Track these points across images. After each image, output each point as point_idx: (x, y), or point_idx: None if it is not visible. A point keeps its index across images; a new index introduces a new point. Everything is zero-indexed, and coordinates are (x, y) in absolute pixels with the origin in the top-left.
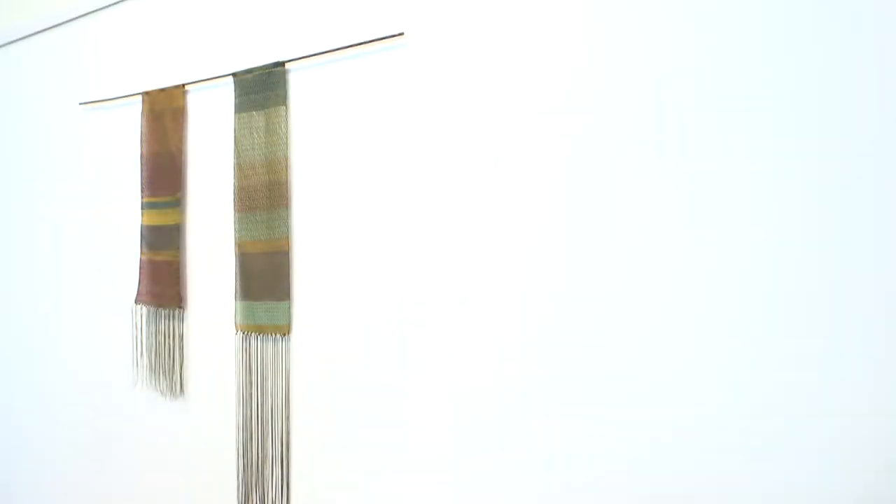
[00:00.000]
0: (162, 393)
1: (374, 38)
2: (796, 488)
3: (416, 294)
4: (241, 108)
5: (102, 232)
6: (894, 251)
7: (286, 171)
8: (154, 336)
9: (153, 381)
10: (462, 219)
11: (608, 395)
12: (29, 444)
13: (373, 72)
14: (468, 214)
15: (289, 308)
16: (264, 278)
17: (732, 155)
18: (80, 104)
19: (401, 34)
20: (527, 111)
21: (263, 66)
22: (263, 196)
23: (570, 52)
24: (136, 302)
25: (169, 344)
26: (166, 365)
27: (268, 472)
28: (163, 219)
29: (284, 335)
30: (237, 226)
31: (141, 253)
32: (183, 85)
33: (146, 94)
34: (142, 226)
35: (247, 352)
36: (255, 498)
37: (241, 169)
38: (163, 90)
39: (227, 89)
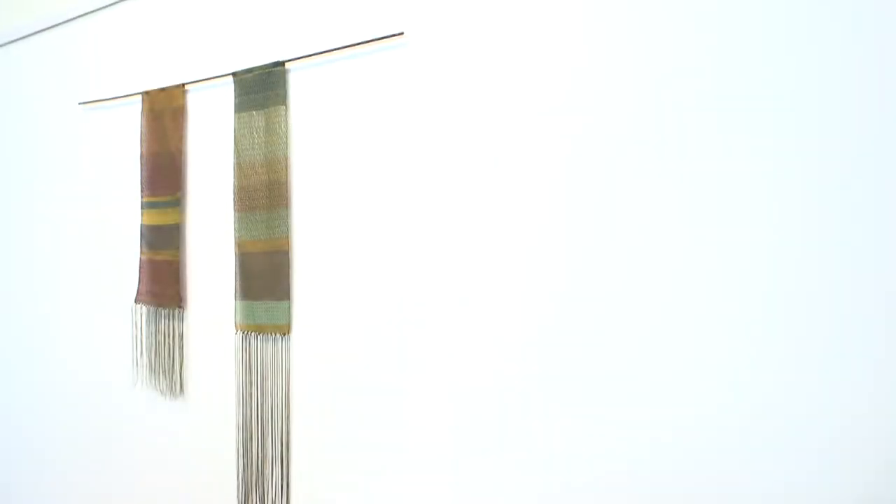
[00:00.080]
0: (162, 392)
1: (373, 37)
2: (796, 488)
3: (416, 294)
4: (240, 107)
5: (102, 231)
6: (894, 251)
7: (286, 170)
8: (154, 336)
9: (153, 381)
10: (462, 218)
11: (608, 395)
12: (29, 444)
13: (373, 71)
14: (468, 214)
15: (288, 308)
16: (264, 278)
17: (732, 155)
18: (80, 104)
19: (401, 34)
20: (527, 111)
21: (263, 65)
22: (263, 196)
23: (570, 52)
24: (135, 301)
25: (169, 343)
26: (166, 364)
27: (268, 471)
28: (163, 218)
29: (284, 335)
30: (237, 225)
31: (141, 252)
32: (183, 84)
33: (146, 93)
34: (142, 225)
35: (247, 351)
36: (254, 497)
37: (240, 168)
38: (163, 90)
39: (227, 89)
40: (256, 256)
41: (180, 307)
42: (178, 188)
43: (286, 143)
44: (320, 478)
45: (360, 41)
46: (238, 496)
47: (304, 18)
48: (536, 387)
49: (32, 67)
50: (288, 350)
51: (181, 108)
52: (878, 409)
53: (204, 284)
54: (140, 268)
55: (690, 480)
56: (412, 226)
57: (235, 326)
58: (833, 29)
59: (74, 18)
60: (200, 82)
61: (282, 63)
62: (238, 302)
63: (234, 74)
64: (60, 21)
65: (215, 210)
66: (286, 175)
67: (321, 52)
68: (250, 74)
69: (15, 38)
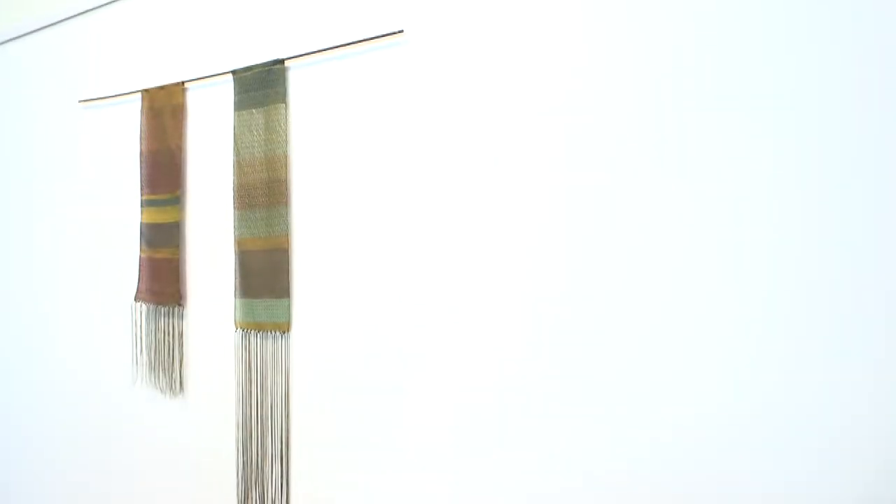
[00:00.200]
0: (161, 391)
1: (373, 35)
2: (796, 488)
3: (416, 292)
4: (240, 105)
5: (102, 229)
6: (894, 251)
7: (286, 168)
8: (154, 334)
9: (153, 379)
10: (462, 217)
11: (608, 394)
12: (28, 442)
13: (372, 69)
14: (468, 213)
15: (288, 305)
16: (264, 276)
17: (732, 154)
18: (80, 102)
19: (400, 32)
20: (526, 109)
21: (263, 63)
22: (263, 193)
23: (570, 51)
24: (135, 299)
25: (168, 341)
26: (166, 363)
27: (267, 469)
28: (162, 216)
29: (284, 332)
30: (237, 223)
31: (140, 250)
32: (182, 82)
33: (146, 91)
34: (141, 223)
35: (246, 349)
36: (254, 495)
37: (240, 166)
38: (162, 88)
39: (227, 87)
40: (256, 254)
41: (180, 305)
42: (177, 186)
43: (286, 141)
44: (320, 476)
45: (359, 39)
46: (238, 494)
47: (304, 16)
48: (536, 386)
49: (32, 65)
50: (288, 348)
51: (181, 105)
52: (878, 409)
53: (204, 282)
54: (140, 266)
55: (690, 480)
56: (412, 224)
57: (235, 324)
58: (833, 27)
59: (74, 16)
60: (200, 80)
61: (281, 61)
62: (238, 300)
63: (233, 72)
64: (60, 19)
65: (215, 208)
66: (286, 173)
67: (321, 50)
68: (250, 72)
69: (15, 35)
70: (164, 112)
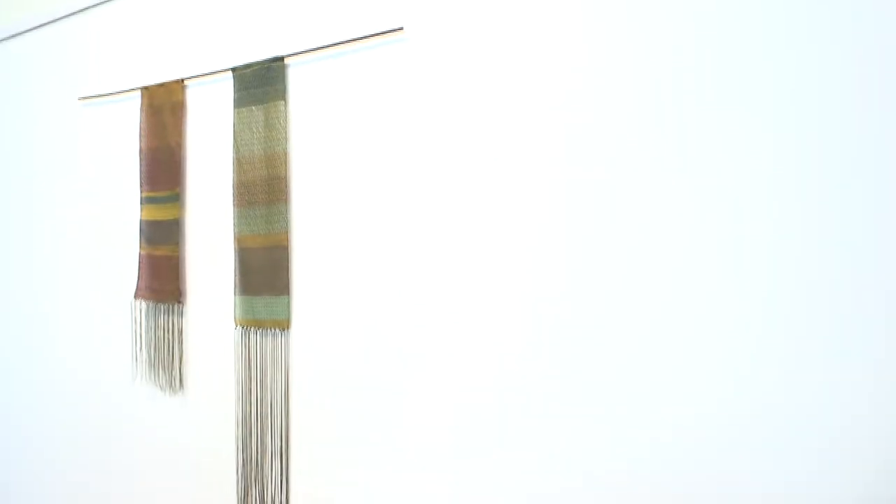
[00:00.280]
0: (161, 388)
1: (373, 32)
2: (796, 488)
3: (416, 290)
4: (240, 102)
5: (101, 227)
6: (894, 251)
7: (285, 165)
8: (153, 331)
9: (152, 377)
10: (462, 214)
11: (608, 394)
12: (28, 440)
13: (372, 67)
14: (468, 210)
15: (288, 303)
16: (263, 273)
17: (732, 151)
18: (80, 99)
19: (400, 29)
20: (526, 107)
21: (262, 60)
22: (262, 191)
23: (570, 48)
24: (135, 297)
25: (168, 339)
26: (166, 360)
27: (267, 467)
28: (162, 213)
29: (284, 330)
30: (236, 220)
31: (140, 248)
32: (182, 80)
33: (145, 88)
34: (141, 221)
35: (246, 346)
36: (254, 493)
37: (240, 164)
38: (162, 85)
39: (227, 84)
40: (256, 251)
41: (180, 302)
42: (177, 183)
43: (285, 139)
44: (320, 474)
45: (359, 36)
46: (237, 492)
47: (304, 13)
48: (536, 384)
49: (32, 63)
50: (287, 345)
51: (180, 103)
52: (878, 409)
53: (203, 280)
54: (139, 263)
55: (690, 480)
56: (412, 221)
57: (235, 321)
58: (833, 25)
59: (74, 14)
60: (199, 77)
61: (281, 58)
62: (237, 297)
63: (233, 69)
64: (60, 16)
65: (214, 205)
66: (285, 170)
67: (320, 48)
68: (249, 69)
69: (14, 33)
70: (163, 109)
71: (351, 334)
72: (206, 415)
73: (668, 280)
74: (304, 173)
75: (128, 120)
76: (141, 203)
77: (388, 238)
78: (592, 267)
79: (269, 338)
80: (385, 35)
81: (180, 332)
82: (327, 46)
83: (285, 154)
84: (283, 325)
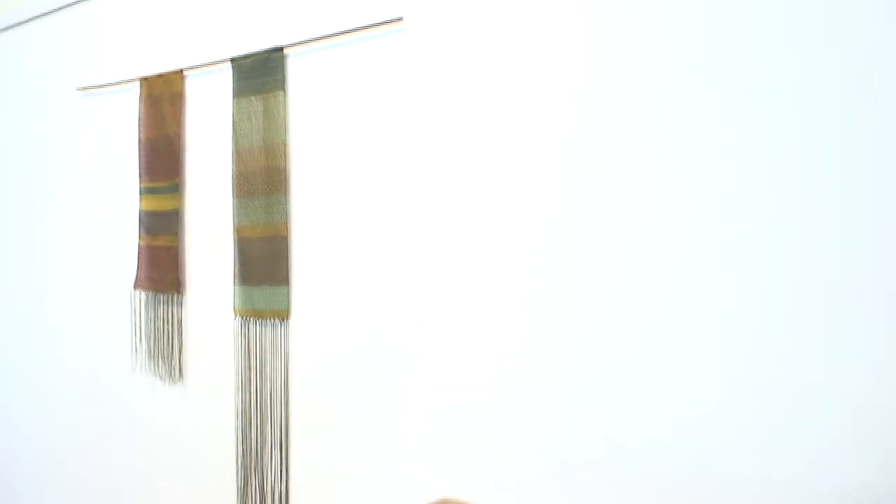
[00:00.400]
0: (161, 378)
1: (372, 23)
2: (796, 488)
3: (416, 282)
4: (239, 93)
5: (101, 217)
6: (894, 251)
7: (284, 156)
8: (153, 321)
9: (152, 367)
10: (461, 206)
11: (608, 394)
12: (28, 431)
13: (371, 57)
14: (467, 202)
15: (287, 293)
16: (263, 263)
17: (733, 150)
18: (79, 89)
19: (399, 19)
20: (525, 98)
21: (262, 51)
22: (262, 181)
23: (570, 44)
24: (134, 287)
25: (168, 329)
26: (165, 350)
27: (267, 457)
28: (161, 204)
29: (283, 320)
30: (236, 211)
31: (139, 238)
32: (181, 70)
33: (144, 79)
34: (140, 211)
35: (245, 337)
36: (254, 483)
37: (239, 154)
38: (161, 75)
39: (226, 74)
40: (255, 242)
41: (179, 293)
42: (176, 174)
43: (285, 129)
44: (319, 464)
45: (358, 27)
46: (237, 481)
47: (303, 3)
48: (535, 373)
49: (31, 53)
50: (287, 335)
51: (179, 93)
52: (878, 409)
53: (203, 270)
54: (139, 253)
55: (690, 480)
56: (411, 213)
57: (234, 312)
58: (833, 23)
59: (73, 4)
60: (199, 68)
61: (280, 48)
62: (237, 287)
63: (232, 60)
64: (59, 6)
65: (214, 195)
66: (285, 160)
67: (320, 38)
68: (249, 60)
69: (13, 23)
70: (162, 100)
71: (351, 325)
72: (206, 405)
73: (668, 280)
74: (303, 164)
75: (127, 110)
76: (140, 193)
77: (387, 229)
78: (592, 267)
79: (269, 328)
80: (384, 25)
81: (180, 323)
82: (327, 36)
83: (284, 144)
84: (283, 315)
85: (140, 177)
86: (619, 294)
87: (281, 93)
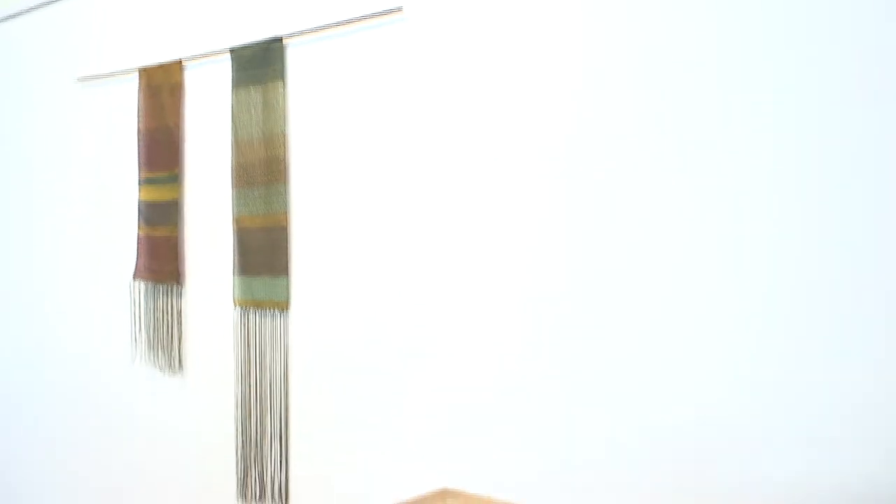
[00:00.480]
0: (160, 369)
1: (372, 13)
2: (796, 488)
3: (416, 273)
4: (238, 83)
5: (100, 207)
6: (894, 251)
7: (284, 146)
8: (152, 312)
9: (152, 357)
10: (461, 197)
11: (608, 394)
12: (28, 421)
13: (371, 47)
14: (467, 192)
15: (287, 283)
16: (262, 253)
17: (733, 150)
18: (78, 80)
19: (399, 9)
20: (526, 88)
21: (261, 41)
22: (261, 171)
23: (572, 37)
24: (134, 278)
25: (167, 320)
26: (165, 341)
27: (266, 448)
28: (161, 194)
29: (283, 310)
30: (235, 201)
31: (139, 228)
32: (180, 60)
33: (144, 69)
34: (139, 201)
35: (245, 327)
36: (253, 474)
37: (238, 144)
38: (160, 66)
39: (225, 65)
40: (254, 232)
41: (179, 283)
42: (175, 164)
43: (284, 119)
44: (319, 455)
45: (358, 16)
46: (237, 472)
47: None
48: (535, 373)
49: (30, 43)
50: (286, 326)
51: (179, 84)
52: (878, 409)
53: (202, 260)
54: (138, 244)
55: (690, 479)
56: (411, 203)
57: (234, 302)
58: (833, 23)
59: None
60: (198, 58)
61: (279, 39)
62: (236, 277)
63: (231, 50)
64: None
65: (213, 186)
66: (284, 151)
67: (319, 28)
68: (248, 50)
69: (13, 13)
70: (161, 90)
71: (350, 317)
72: (206, 396)
73: (669, 280)
74: (302, 154)
75: (126, 101)
76: (140, 184)
77: (387, 219)
78: (592, 267)
79: (269, 318)
80: (384, 15)
81: (179, 313)
82: (326, 27)
83: (284, 135)
84: (282, 305)
85: (139, 167)
86: (619, 294)
87: (280, 83)
